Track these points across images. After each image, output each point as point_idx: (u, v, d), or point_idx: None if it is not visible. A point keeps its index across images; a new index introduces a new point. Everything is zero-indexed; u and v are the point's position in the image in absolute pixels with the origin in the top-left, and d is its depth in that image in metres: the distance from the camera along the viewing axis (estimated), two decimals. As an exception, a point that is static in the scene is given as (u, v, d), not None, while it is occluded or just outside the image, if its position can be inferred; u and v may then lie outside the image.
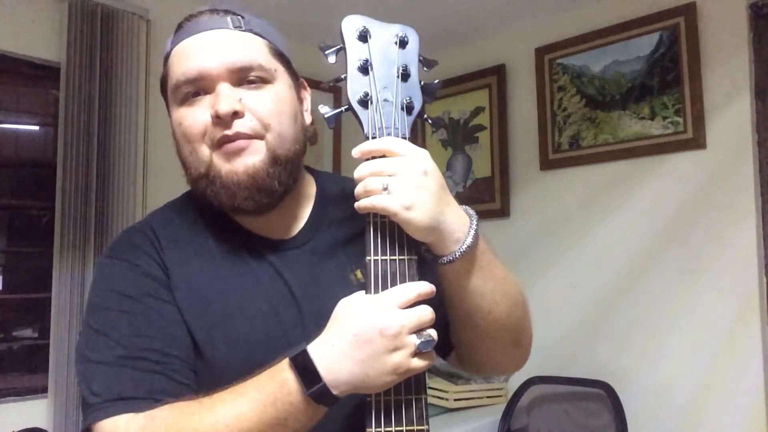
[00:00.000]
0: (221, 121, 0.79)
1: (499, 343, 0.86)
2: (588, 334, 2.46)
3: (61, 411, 2.00)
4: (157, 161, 2.33)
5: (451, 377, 2.56)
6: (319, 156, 2.83)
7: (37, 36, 2.12)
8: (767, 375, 2.05)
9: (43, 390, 2.04)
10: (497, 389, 2.60)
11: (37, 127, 2.28)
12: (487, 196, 2.80)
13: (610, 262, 2.44)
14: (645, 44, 2.38)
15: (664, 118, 2.32)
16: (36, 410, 2.02)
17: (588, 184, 2.53)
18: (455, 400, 2.49)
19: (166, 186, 2.33)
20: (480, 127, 2.89)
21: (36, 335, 2.19)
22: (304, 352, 0.69)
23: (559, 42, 2.62)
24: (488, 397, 2.57)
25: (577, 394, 2.33)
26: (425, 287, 0.71)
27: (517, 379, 2.48)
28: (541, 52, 2.69)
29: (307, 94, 0.93)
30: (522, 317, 0.87)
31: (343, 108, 0.77)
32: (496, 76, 2.84)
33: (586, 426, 2.27)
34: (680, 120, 2.28)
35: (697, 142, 2.23)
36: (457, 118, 2.96)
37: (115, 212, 2.15)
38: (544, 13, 2.64)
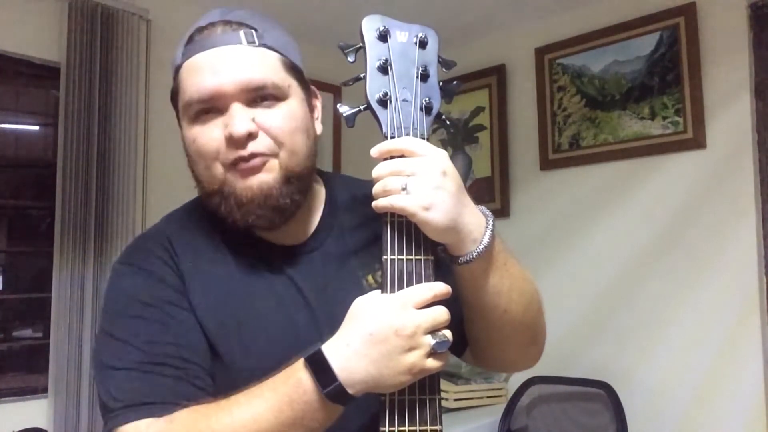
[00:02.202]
0: (235, 142, 0.79)
1: (514, 341, 0.87)
2: (588, 334, 2.46)
3: (61, 411, 2.00)
4: (157, 162, 2.33)
5: (451, 377, 2.56)
6: (319, 155, 2.82)
7: (37, 36, 2.12)
8: (767, 375, 2.05)
9: (43, 390, 2.04)
10: (497, 389, 2.60)
11: (37, 127, 2.28)
12: (487, 196, 2.80)
13: (610, 262, 2.44)
14: (645, 44, 2.38)
15: (664, 118, 2.32)
16: (36, 410, 2.02)
17: (588, 184, 2.53)
18: (455, 400, 2.49)
19: (166, 186, 2.36)
20: (480, 127, 2.89)
21: (36, 335, 2.19)
22: (319, 352, 0.69)
23: (559, 42, 2.63)
24: (488, 397, 2.57)
25: (577, 394, 2.33)
26: (441, 288, 0.71)
27: (517, 379, 2.48)
28: (541, 52, 2.69)
29: (318, 103, 0.92)
30: (537, 315, 0.87)
31: (361, 107, 0.77)
32: (496, 76, 2.84)
33: (586, 426, 2.27)
34: (680, 120, 2.28)
35: (697, 142, 2.23)
36: (457, 118, 2.96)
37: (115, 212, 2.15)
38: (544, 13, 2.64)
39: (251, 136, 0.79)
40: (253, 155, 0.79)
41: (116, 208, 2.15)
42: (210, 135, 0.81)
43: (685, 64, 2.27)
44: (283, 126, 0.81)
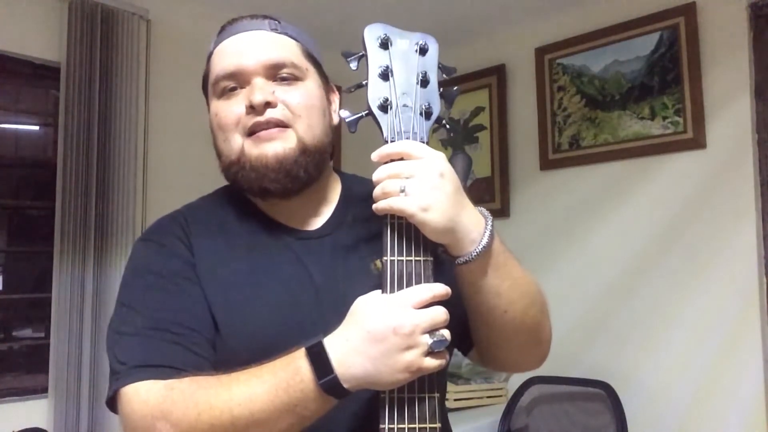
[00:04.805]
0: (255, 110, 0.84)
1: (516, 341, 0.88)
2: (588, 334, 2.46)
3: (61, 411, 2.00)
4: (157, 161, 2.33)
5: (451, 377, 2.56)
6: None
7: (37, 36, 2.11)
8: (767, 375, 2.05)
9: (43, 390, 2.04)
10: (497, 389, 2.60)
11: (37, 127, 2.28)
12: (487, 196, 2.80)
13: (610, 262, 2.44)
14: (645, 44, 2.38)
15: (664, 118, 2.32)
16: (36, 410, 2.02)
17: (588, 184, 2.53)
18: (455, 400, 2.49)
19: (166, 186, 2.36)
20: (480, 127, 2.89)
21: (36, 335, 2.19)
22: (320, 344, 0.71)
23: (559, 42, 2.63)
24: (488, 397, 2.58)
25: (577, 394, 2.33)
26: (440, 289, 0.73)
27: (517, 379, 2.48)
28: (541, 52, 2.69)
29: (336, 97, 0.97)
30: (539, 316, 0.88)
31: (363, 113, 0.80)
32: (496, 76, 2.84)
33: (586, 426, 2.27)
34: (680, 120, 2.28)
35: (697, 142, 2.23)
36: (457, 118, 2.96)
37: (115, 212, 2.15)
38: (544, 13, 2.64)
39: (269, 105, 0.85)
40: (270, 122, 0.85)
41: (116, 208, 2.15)
42: (231, 108, 0.87)
43: (685, 64, 2.27)
44: (301, 101, 0.87)
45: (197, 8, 2.43)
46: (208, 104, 0.93)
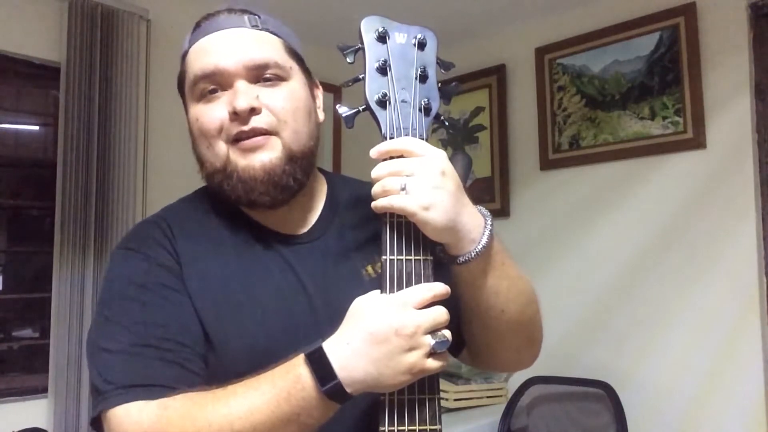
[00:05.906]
0: (238, 117, 0.80)
1: (511, 341, 0.87)
2: (588, 334, 2.46)
3: (61, 411, 2.00)
4: (157, 161, 2.33)
5: (451, 377, 2.56)
6: (318, 155, 2.82)
7: (37, 36, 2.11)
8: (767, 375, 2.05)
9: (43, 390, 2.04)
10: (497, 389, 2.60)
11: (37, 127, 2.28)
12: (487, 196, 2.80)
13: (610, 262, 2.44)
14: (645, 44, 2.38)
15: (664, 118, 2.32)
16: (36, 410, 2.02)
17: (588, 184, 2.53)
18: (455, 400, 2.49)
19: (166, 186, 2.36)
20: (480, 127, 2.89)
21: (36, 335, 2.19)
22: (320, 349, 0.69)
23: (559, 42, 2.63)
24: (488, 397, 2.57)
25: (577, 394, 2.33)
26: (441, 288, 0.72)
27: (517, 379, 2.48)
28: (541, 52, 2.69)
29: (319, 93, 0.94)
30: (534, 315, 0.87)
31: (360, 108, 0.77)
32: (496, 76, 2.84)
33: (586, 426, 2.27)
34: (680, 120, 2.28)
35: (697, 142, 2.23)
36: (457, 118, 2.96)
37: (115, 212, 2.15)
38: (544, 13, 2.64)
39: (254, 111, 0.81)
40: (254, 131, 0.81)
41: (116, 208, 2.15)
42: (213, 113, 0.82)
43: (685, 64, 2.27)
44: (286, 105, 0.83)
45: (197, 8, 2.42)
46: (185, 106, 0.88)
